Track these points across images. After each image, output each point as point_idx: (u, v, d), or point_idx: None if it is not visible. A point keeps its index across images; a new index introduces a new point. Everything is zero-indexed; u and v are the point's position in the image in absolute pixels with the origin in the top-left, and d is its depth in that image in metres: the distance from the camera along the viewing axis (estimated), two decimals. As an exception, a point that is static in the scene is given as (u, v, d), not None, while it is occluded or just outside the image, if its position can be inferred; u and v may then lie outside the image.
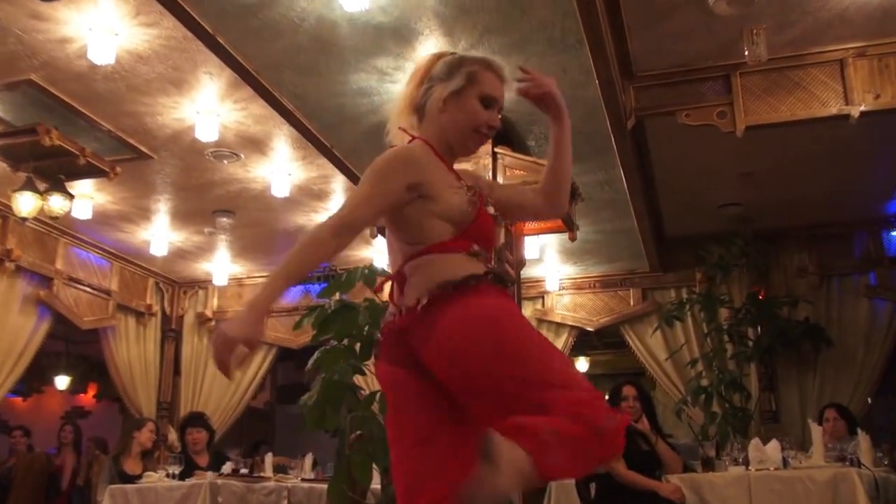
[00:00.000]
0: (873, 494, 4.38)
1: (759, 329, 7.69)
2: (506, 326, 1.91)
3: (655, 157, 6.46)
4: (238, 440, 10.59)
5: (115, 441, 7.25)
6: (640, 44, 5.14)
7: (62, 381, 11.78)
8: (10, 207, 6.49)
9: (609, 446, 1.78)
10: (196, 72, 5.24)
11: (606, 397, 5.26)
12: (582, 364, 11.34)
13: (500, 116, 2.21)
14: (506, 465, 1.63)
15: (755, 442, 4.91)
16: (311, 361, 4.04)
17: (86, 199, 7.14)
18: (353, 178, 6.55)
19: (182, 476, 5.36)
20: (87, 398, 12.48)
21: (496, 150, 5.25)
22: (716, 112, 5.37)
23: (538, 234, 6.23)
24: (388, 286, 2.14)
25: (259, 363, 9.59)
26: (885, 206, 7.74)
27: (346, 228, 1.99)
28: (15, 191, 6.18)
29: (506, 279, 2.06)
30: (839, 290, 8.00)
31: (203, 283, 9.72)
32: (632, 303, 8.90)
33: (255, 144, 6.23)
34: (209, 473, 5.30)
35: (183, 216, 7.78)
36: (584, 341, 9.77)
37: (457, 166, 2.22)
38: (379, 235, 5.89)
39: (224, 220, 7.73)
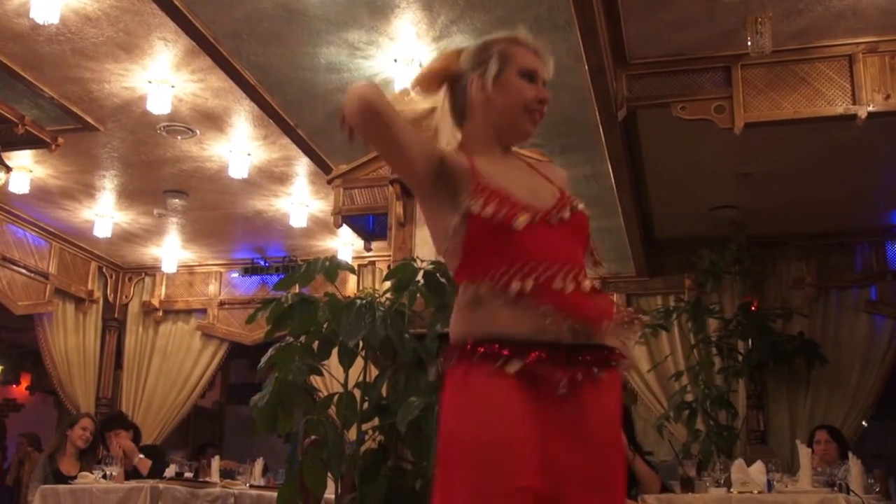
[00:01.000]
0: (862, 523, 4.40)
1: (749, 343, 7.68)
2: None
3: (646, 152, 6.43)
4: (183, 442, 10.53)
5: (50, 437, 7.16)
6: (634, 29, 5.10)
7: (-8, 371, 11.66)
8: (-63, 178, 6.40)
9: None
10: (149, 37, 5.18)
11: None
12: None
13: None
14: None
15: (739, 463, 4.90)
16: (264, 359, 4.00)
17: (24, 171, 7.06)
18: (317, 160, 6.50)
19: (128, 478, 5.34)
20: (20, 390, 12.39)
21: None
22: (713, 106, 5.35)
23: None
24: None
25: (209, 359, 9.53)
26: (890, 216, 7.77)
27: None
28: (-56, 160, 6.11)
29: None
30: (837, 304, 8.02)
31: (150, 270, 9.65)
32: (615, 309, 8.89)
33: (212, 120, 6.17)
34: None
35: (130, 195, 7.70)
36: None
37: None
38: (344, 225, 5.83)
39: (175, 202, 7.68)
